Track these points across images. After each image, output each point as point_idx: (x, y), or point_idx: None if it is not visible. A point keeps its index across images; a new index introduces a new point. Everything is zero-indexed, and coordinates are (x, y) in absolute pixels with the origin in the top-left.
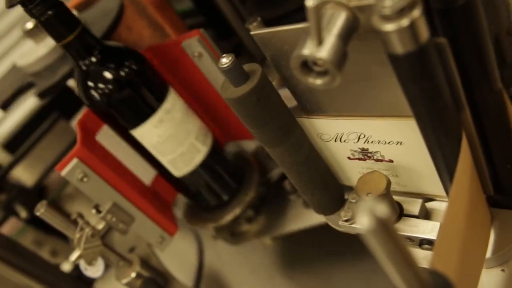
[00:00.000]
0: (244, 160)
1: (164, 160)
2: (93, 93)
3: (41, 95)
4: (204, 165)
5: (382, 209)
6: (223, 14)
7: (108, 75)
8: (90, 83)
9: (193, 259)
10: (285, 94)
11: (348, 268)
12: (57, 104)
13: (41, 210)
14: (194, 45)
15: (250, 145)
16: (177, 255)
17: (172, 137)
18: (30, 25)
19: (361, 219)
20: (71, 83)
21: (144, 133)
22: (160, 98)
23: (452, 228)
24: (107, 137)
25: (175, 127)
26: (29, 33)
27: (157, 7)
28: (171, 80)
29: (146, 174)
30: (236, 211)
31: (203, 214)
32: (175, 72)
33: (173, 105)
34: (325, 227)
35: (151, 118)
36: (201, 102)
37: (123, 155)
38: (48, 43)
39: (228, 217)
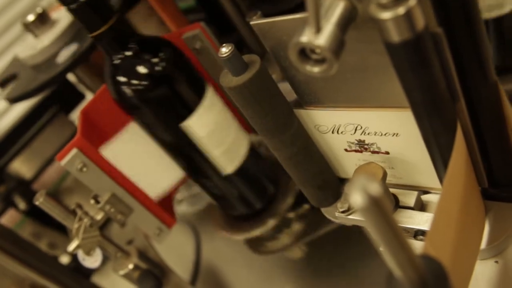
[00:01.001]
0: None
1: (217, 153)
2: (125, 89)
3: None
4: (245, 163)
5: (375, 187)
6: (224, 11)
7: (144, 70)
8: (123, 79)
9: (190, 253)
10: (284, 87)
11: (350, 268)
12: (57, 97)
13: (40, 200)
14: (195, 38)
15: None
16: (175, 249)
17: (221, 124)
18: (31, 17)
19: (354, 197)
20: (71, 77)
21: (196, 122)
22: (201, 86)
23: (445, 217)
24: (119, 146)
25: (222, 113)
26: (30, 26)
27: (160, 2)
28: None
29: (160, 183)
30: (271, 222)
31: (234, 222)
32: None
33: (213, 91)
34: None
35: (201, 105)
36: None
37: (137, 164)
38: (49, 35)
39: (262, 229)
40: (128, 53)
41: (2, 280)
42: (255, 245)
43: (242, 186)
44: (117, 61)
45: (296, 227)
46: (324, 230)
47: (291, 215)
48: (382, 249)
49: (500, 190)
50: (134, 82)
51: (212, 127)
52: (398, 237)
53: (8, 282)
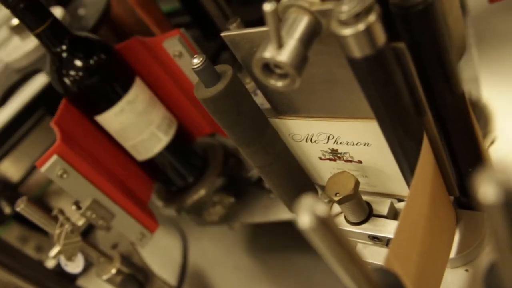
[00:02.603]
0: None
1: (126, 145)
2: (65, 80)
3: None
4: (167, 152)
5: (321, 207)
6: (208, 14)
7: (77, 63)
8: (62, 71)
9: (177, 256)
10: (260, 97)
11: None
12: (44, 101)
13: (21, 206)
14: (175, 44)
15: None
16: (162, 252)
17: (133, 126)
18: (16, 21)
19: (301, 217)
20: None
21: (106, 119)
22: (124, 89)
23: (410, 225)
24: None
25: (135, 117)
26: (15, 29)
27: (142, 6)
28: (155, 70)
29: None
30: (201, 192)
31: (172, 196)
32: (158, 66)
33: (136, 96)
34: None
35: (113, 107)
36: (187, 92)
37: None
38: (34, 39)
39: (194, 197)
40: (64, 48)
41: None
42: (196, 218)
43: (170, 163)
44: (56, 56)
45: (219, 209)
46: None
47: (215, 198)
48: (333, 267)
49: (471, 199)
50: (71, 73)
51: (120, 127)
52: (350, 254)
53: None
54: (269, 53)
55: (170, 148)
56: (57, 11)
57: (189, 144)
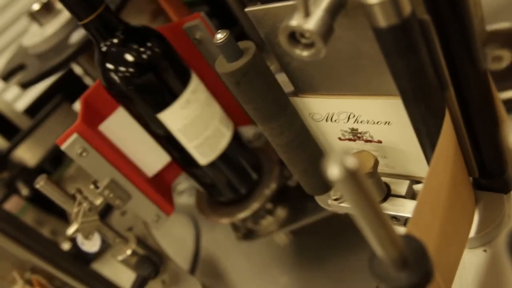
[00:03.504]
0: (261, 150)
1: (191, 146)
2: (113, 75)
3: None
4: (227, 153)
5: (351, 159)
6: (226, 3)
7: (130, 57)
8: (110, 66)
9: (190, 244)
10: (282, 79)
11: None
12: (61, 87)
13: (41, 183)
14: (195, 28)
15: (248, 132)
16: (175, 239)
17: (199, 119)
18: (36, 6)
19: (330, 169)
20: (77, 69)
21: (171, 115)
22: (185, 79)
23: (430, 200)
24: (115, 124)
25: (201, 108)
26: (35, 15)
27: None
28: None
29: (154, 162)
30: (255, 205)
31: (220, 207)
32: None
33: (197, 85)
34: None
35: (178, 100)
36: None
37: (132, 142)
38: (53, 25)
39: (247, 212)
40: (116, 41)
41: (4, 263)
42: (241, 231)
43: (224, 173)
44: (104, 49)
45: (279, 213)
46: (308, 220)
47: (270, 205)
48: (360, 223)
49: (490, 180)
50: (120, 69)
51: (186, 122)
52: (375, 210)
53: (9, 266)
54: (296, 21)
55: (232, 145)
56: None
57: (245, 145)
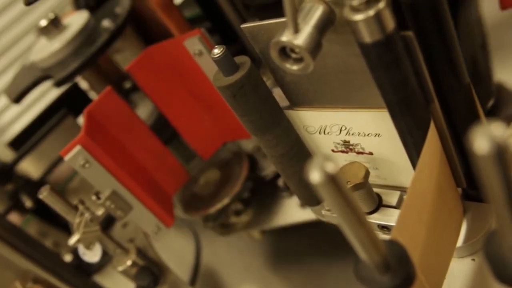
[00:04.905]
0: (238, 156)
1: None
2: None
3: (58, 83)
4: None
5: (330, 165)
6: (227, 20)
7: None
8: None
9: (190, 257)
10: (278, 93)
11: (341, 267)
12: (65, 101)
13: (44, 194)
14: (195, 43)
15: (248, 145)
16: (175, 252)
17: None
18: (44, 22)
19: (312, 174)
20: (82, 83)
21: None
22: None
23: (416, 207)
24: None
25: None
26: (42, 30)
27: (165, 11)
28: (173, 77)
29: None
30: (225, 201)
31: (196, 203)
32: (176, 69)
33: None
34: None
35: None
36: (201, 100)
37: None
38: (60, 39)
39: (217, 207)
40: None
41: (6, 273)
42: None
43: None
44: None
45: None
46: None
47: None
48: (343, 228)
49: (478, 191)
50: None
51: None
52: (356, 214)
53: (12, 276)
54: (286, 37)
55: None
56: (83, 15)
57: None
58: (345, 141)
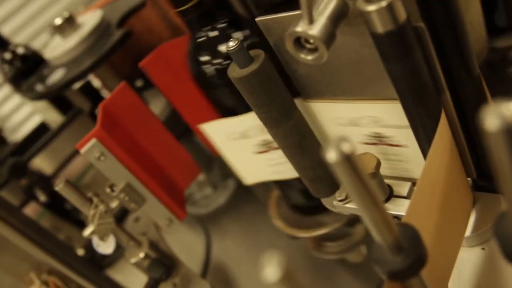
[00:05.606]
0: None
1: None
2: (206, 68)
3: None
4: None
5: (346, 145)
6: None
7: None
8: (205, 57)
9: (201, 252)
10: None
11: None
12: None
13: (60, 186)
14: None
15: None
16: (186, 247)
17: None
18: (59, 21)
19: (328, 153)
20: (95, 81)
21: None
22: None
23: (426, 194)
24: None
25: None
26: (57, 29)
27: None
28: (186, 74)
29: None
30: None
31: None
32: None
33: None
34: None
35: None
36: None
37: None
38: (74, 38)
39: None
40: (213, 33)
41: (22, 265)
42: (316, 244)
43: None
44: (200, 39)
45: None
46: None
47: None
48: (358, 208)
49: (488, 182)
50: (216, 61)
51: None
52: (370, 192)
53: (27, 267)
54: (301, 27)
55: None
56: (97, 14)
57: None
58: (359, 133)
